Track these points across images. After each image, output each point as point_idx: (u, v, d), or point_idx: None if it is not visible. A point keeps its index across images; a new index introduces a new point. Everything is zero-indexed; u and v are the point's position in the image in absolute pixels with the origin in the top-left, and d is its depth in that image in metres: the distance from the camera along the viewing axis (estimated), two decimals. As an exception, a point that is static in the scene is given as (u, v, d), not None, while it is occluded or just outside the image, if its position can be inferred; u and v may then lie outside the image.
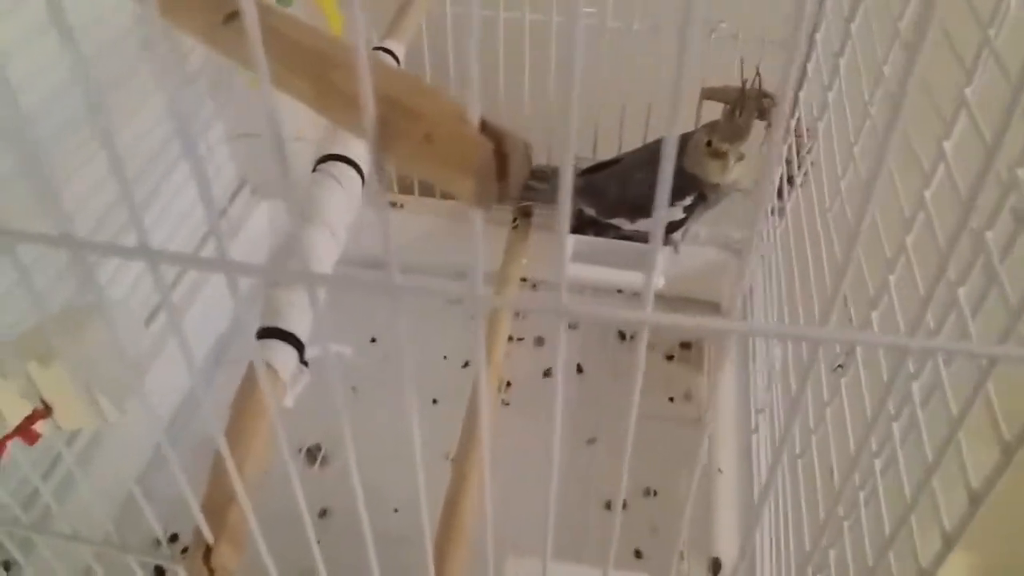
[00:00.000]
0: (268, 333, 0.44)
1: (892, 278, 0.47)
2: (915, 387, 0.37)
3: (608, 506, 0.82)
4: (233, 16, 0.27)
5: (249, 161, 1.00)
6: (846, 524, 0.43)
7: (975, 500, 0.29)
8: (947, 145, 0.44)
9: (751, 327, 0.25)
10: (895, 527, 0.34)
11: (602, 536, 0.81)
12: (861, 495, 0.41)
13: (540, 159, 0.93)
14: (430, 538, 0.35)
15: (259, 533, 0.35)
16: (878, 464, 0.40)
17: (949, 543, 0.32)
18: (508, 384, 0.92)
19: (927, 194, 0.45)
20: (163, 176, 0.81)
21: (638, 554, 0.80)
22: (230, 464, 0.31)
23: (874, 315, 0.48)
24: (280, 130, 0.21)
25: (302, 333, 0.45)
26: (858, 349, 0.48)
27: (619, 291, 1.03)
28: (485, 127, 0.21)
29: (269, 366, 0.43)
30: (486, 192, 0.21)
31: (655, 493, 0.84)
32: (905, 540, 0.36)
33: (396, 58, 0.72)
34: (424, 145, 0.22)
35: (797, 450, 0.56)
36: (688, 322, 0.24)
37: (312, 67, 0.25)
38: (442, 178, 0.22)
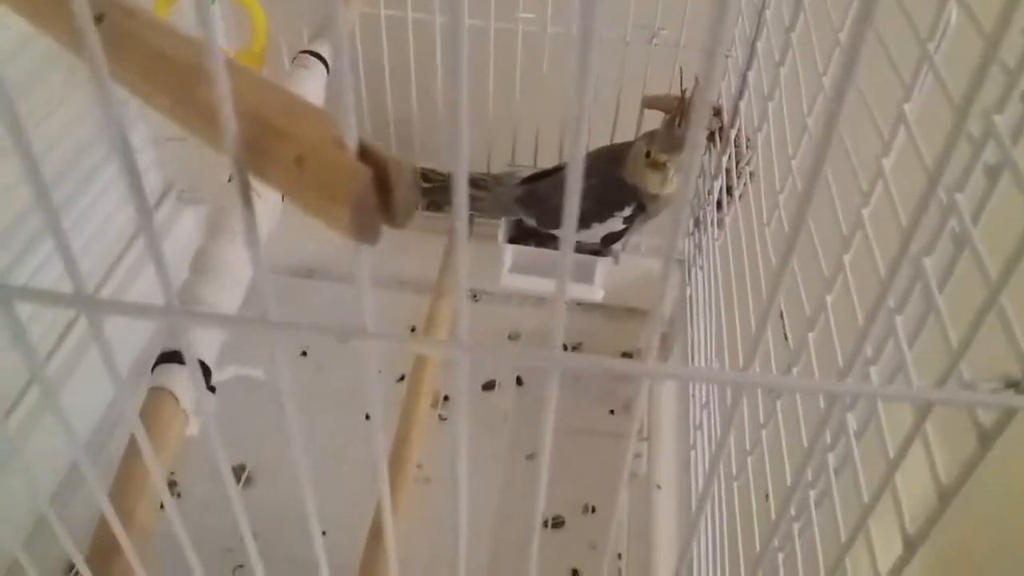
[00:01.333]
0: (171, 357, 0.41)
1: (829, 298, 0.46)
2: (850, 418, 0.35)
3: (547, 524, 0.80)
4: (99, 19, 0.24)
5: (176, 165, 0.96)
6: (781, 555, 0.42)
7: (910, 546, 0.27)
8: (886, 163, 0.43)
9: (662, 370, 0.23)
10: (829, 570, 0.32)
11: (541, 555, 0.79)
12: (796, 527, 0.40)
13: (480, 167, 0.91)
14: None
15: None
16: (813, 495, 0.38)
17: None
18: (446, 398, 0.89)
19: (865, 213, 0.44)
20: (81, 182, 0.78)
21: (575, 573, 0.78)
22: (117, 529, 0.28)
23: (811, 336, 0.46)
24: (126, 141, 0.18)
25: (208, 356, 0.42)
26: (794, 369, 0.46)
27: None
28: (365, 152, 0.19)
29: (171, 393, 0.39)
30: (366, 224, 0.19)
31: (593, 510, 0.82)
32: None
33: (325, 62, 0.69)
34: (294, 170, 0.20)
35: (733, 471, 0.55)
36: (600, 364, 0.22)
37: (175, 80, 0.23)
38: (315, 207, 0.19)
